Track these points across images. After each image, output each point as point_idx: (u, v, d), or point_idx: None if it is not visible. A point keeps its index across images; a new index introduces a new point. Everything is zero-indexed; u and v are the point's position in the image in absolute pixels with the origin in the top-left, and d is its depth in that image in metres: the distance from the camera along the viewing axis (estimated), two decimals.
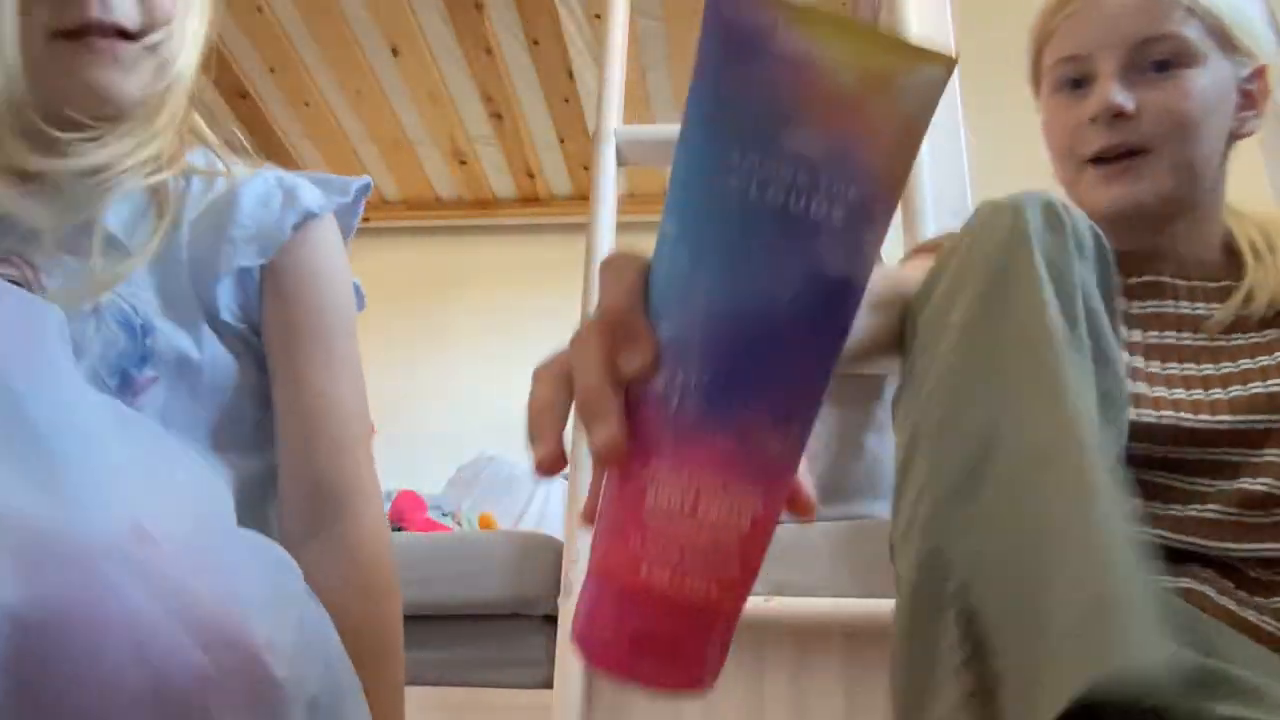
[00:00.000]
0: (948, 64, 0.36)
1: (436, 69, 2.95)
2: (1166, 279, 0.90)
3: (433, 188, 3.51)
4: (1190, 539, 0.77)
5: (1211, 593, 0.75)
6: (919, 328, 0.64)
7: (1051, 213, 0.61)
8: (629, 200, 3.31)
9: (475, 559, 1.66)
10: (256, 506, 0.79)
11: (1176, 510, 0.78)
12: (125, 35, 0.75)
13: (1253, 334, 0.86)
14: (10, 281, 0.71)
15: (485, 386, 2.96)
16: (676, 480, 0.39)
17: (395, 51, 2.90)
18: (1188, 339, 0.87)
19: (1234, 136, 0.92)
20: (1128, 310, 0.89)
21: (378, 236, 3.42)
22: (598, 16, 2.50)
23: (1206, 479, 0.79)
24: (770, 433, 0.39)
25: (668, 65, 2.89)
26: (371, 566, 0.76)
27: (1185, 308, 0.89)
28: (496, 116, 3.14)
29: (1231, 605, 0.74)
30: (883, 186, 0.37)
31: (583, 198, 3.48)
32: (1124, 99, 0.86)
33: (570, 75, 2.95)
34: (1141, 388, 0.83)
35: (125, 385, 0.73)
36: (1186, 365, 0.85)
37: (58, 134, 0.74)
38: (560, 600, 1.39)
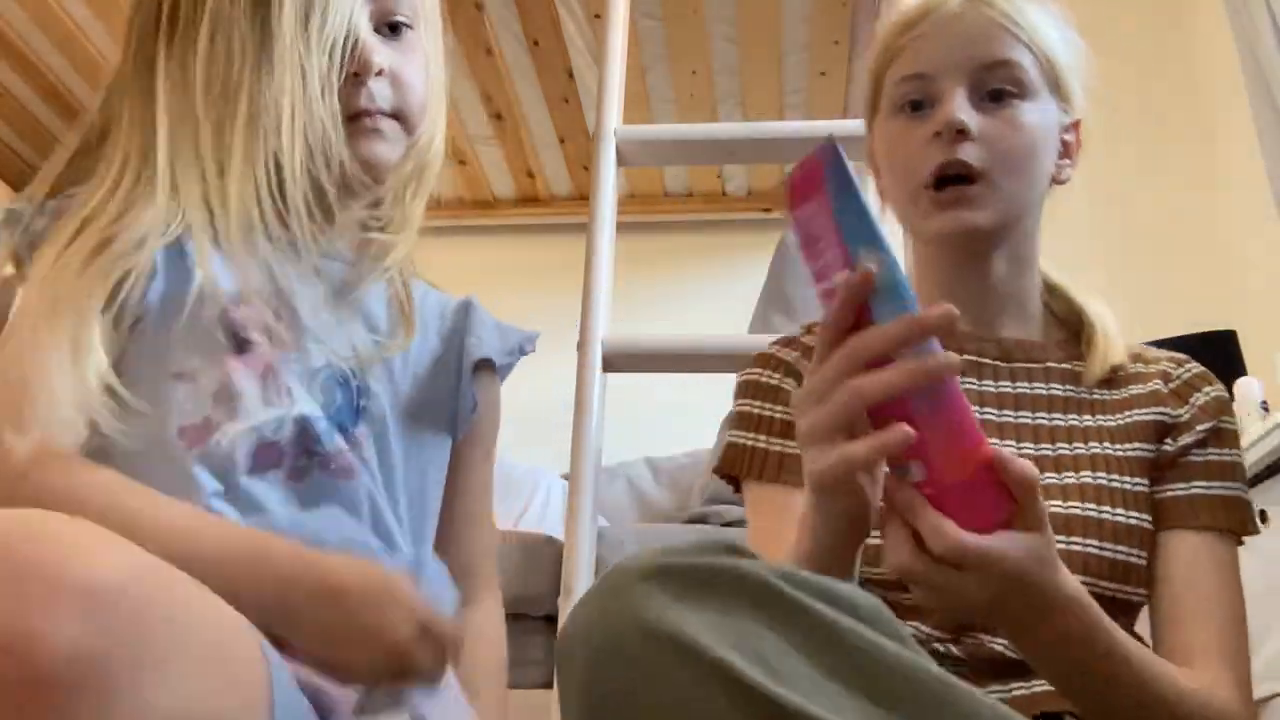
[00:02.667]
0: None
1: None
2: (988, 361, 0.92)
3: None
4: None
5: None
6: None
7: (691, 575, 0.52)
8: (629, 200, 3.31)
9: None
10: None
11: None
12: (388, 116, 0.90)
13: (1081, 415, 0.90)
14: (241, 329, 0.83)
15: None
16: None
17: None
18: (1009, 416, 0.90)
19: (1053, 182, 0.93)
20: None
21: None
22: (598, 16, 2.50)
23: None
24: None
25: (668, 65, 2.89)
26: (500, 638, 0.95)
27: (1006, 387, 0.91)
28: (496, 116, 3.14)
29: None
30: None
31: (583, 198, 3.47)
32: (967, 116, 0.86)
33: (570, 75, 2.95)
34: None
35: (343, 435, 0.83)
36: (1007, 442, 0.88)
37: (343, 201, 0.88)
38: (560, 600, 1.39)
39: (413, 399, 0.90)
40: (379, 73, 0.88)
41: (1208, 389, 0.91)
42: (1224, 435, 0.89)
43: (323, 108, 0.84)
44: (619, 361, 1.53)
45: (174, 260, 0.83)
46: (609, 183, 1.61)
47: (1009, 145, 0.88)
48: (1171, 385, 0.92)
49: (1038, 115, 0.89)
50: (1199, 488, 0.87)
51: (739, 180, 3.45)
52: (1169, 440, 0.89)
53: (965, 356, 0.91)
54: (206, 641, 0.56)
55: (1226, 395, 0.91)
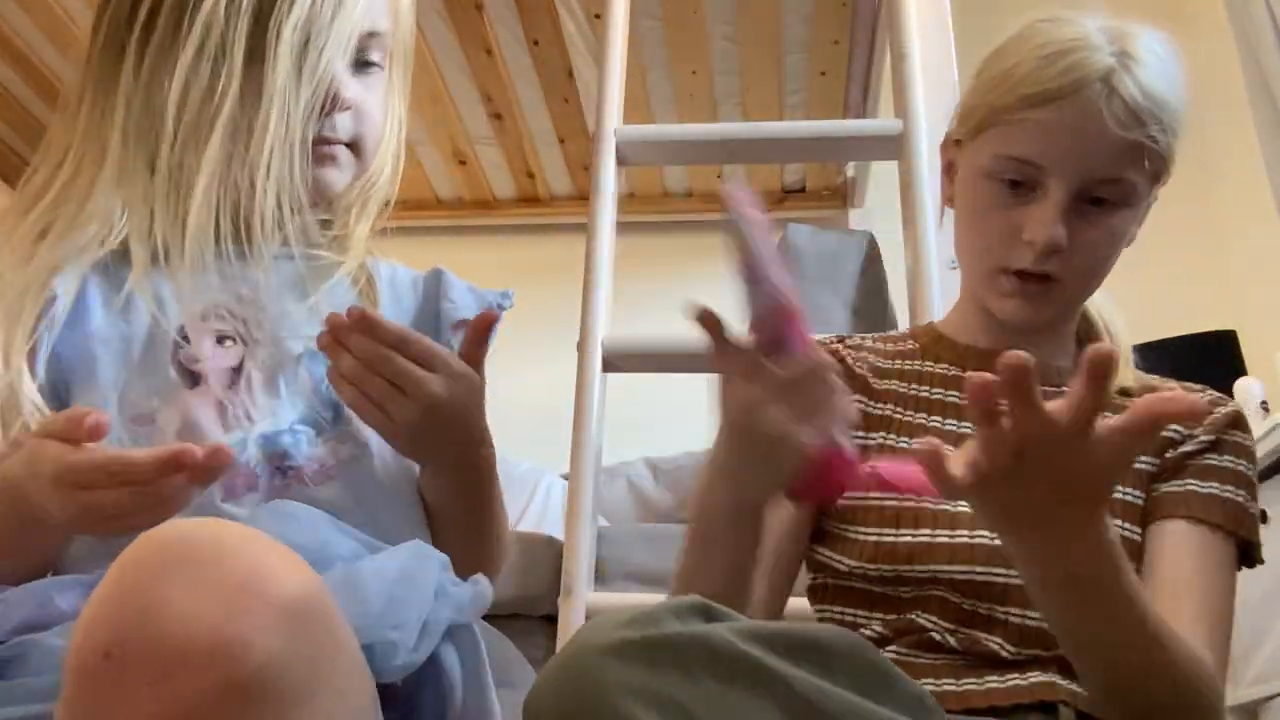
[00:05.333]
0: None
1: (436, 69, 2.95)
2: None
3: (433, 188, 3.51)
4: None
5: None
6: None
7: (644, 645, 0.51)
8: (629, 200, 3.30)
9: None
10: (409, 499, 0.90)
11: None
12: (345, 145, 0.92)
13: None
14: (224, 336, 0.84)
15: (485, 386, 2.96)
16: None
17: None
18: None
19: None
20: (947, 399, 0.94)
21: (377, 237, 3.42)
22: (598, 16, 2.50)
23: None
24: None
25: (668, 65, 2.89)
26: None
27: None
28: (496, 117, 3.14)
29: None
30: None
31: (583, 198, 3.46)
32: (1061, 234, 0.85)
33: (570, 75, 2.94)
34: None
35: (338, 417, 0.85)
36: None
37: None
38: (560, 600, 1.39)
39: None
40: (346, 107, 0.89)
41: (1219, 408, 0.91)
42: (1225, 445, 0.89)
43: (297, 136, 0.85)
44: (619, 361, 1.52)
45: (110, 293, 0.83)
46: (609, 183, 1.61)
47: (1096, 256, 0.89)
48: None
49: (1131, 220, 0.90)
50: (1193, 484, 0.87)
51: (739, 180, 3.45)
52: (1170, 451, 0.89)
53: (983, 375, 0.92)
54: (351, 648, 0.58)
55: (1239, 414, 0.91)
